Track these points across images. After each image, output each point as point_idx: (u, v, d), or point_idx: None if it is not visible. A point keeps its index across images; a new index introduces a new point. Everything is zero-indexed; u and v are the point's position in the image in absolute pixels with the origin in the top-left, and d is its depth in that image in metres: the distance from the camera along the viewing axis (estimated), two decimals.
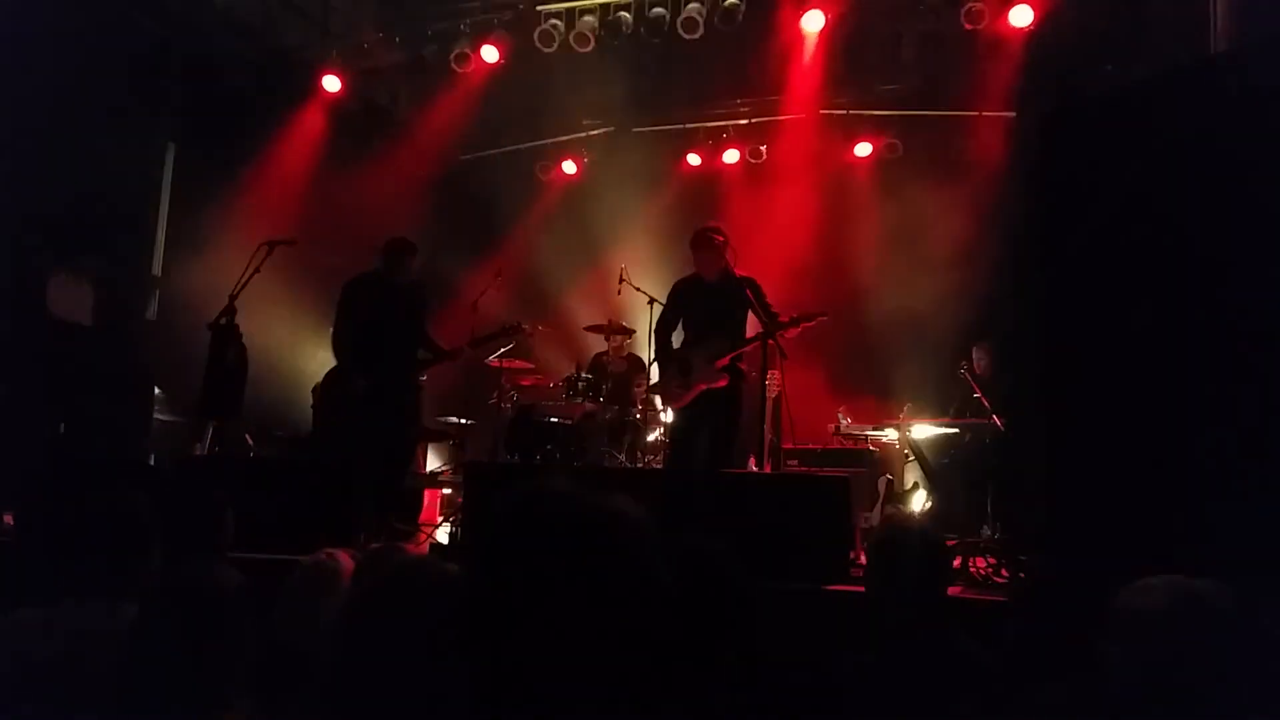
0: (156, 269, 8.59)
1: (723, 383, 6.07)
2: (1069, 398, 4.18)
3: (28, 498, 4.56)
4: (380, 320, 6.38)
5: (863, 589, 4.65)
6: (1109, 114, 4.50)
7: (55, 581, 2.78)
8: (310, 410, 7.54)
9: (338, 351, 6.43)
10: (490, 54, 8.75)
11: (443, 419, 8.61)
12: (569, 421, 7.59)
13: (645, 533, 1.17)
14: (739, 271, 6.16)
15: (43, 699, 2.44)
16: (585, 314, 9.12)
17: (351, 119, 9.62)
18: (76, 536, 2.81)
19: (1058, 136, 4.60)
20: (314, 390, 7.18)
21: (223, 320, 5.98)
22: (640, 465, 7.42)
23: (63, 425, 7.13)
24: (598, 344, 8.48)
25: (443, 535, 6.57)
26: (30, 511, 4.02)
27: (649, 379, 7.58)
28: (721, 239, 6.22)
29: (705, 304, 6.27)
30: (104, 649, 2.15)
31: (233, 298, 6.00)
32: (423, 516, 7.01)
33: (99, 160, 7.32)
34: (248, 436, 7.44)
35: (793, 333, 5.96)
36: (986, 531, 6.37)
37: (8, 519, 4.81)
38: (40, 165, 7.11)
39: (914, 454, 7.73)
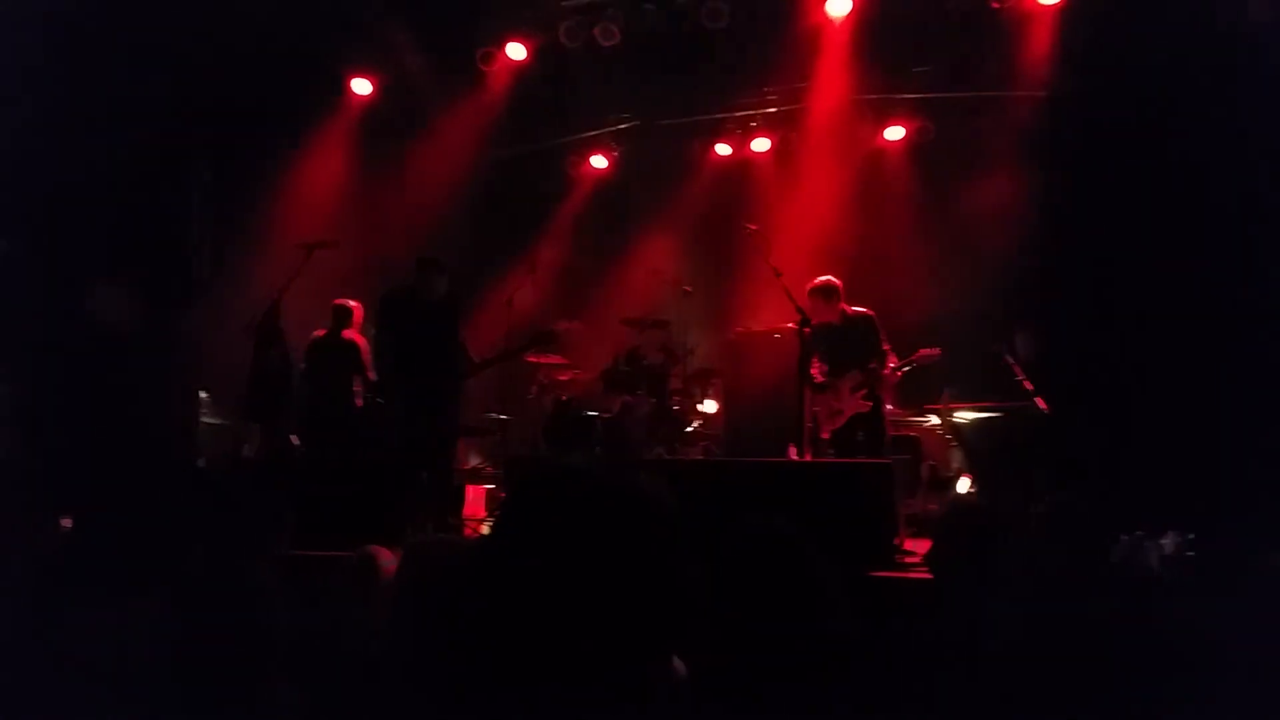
0: (197, 274, 8.72)
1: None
2: (1107, 376, 4.13)
3: (84, 502, 4.66)
4: (415, 334, 6.48)
5: (906, 575, 4.67)
6: (1145, 92, 4.44)
7: (110, 582, 2.85)
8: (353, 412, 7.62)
9: (379, 365, 6.58)
10: (517, 52, 8.77)
11: (482, 415, 8.65)
12: (608, 414, 7.61)
13: (670, 517, 1.13)
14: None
15: (98, 696, 2.50)
16: (619, 307, 9.11)
17: (382, 121, 9.69)
18: (130, 539, 2.87)
19: (1092, 115, 4.54)
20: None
21: (263, 323, 6.06)
22: (679, 456, 7.43)
23: (112, 431, 7.26)
24: (632, 337, 8.47)
25: (487, 530, 6.63)
26: (86, 515, 4.11)
27: (685, 370, 7.61)
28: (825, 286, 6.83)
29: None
30: (157, 647, 2.20)
31: (273, 301, 6.07)
32: (467, 511, 7.08)
33: (137, 169, 7.43)
34: (293, 438, 7.52)
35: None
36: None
37: (66, 523, 4.92)
38: (80, 176, 7.24)
39: (956, 438, 7.64)
